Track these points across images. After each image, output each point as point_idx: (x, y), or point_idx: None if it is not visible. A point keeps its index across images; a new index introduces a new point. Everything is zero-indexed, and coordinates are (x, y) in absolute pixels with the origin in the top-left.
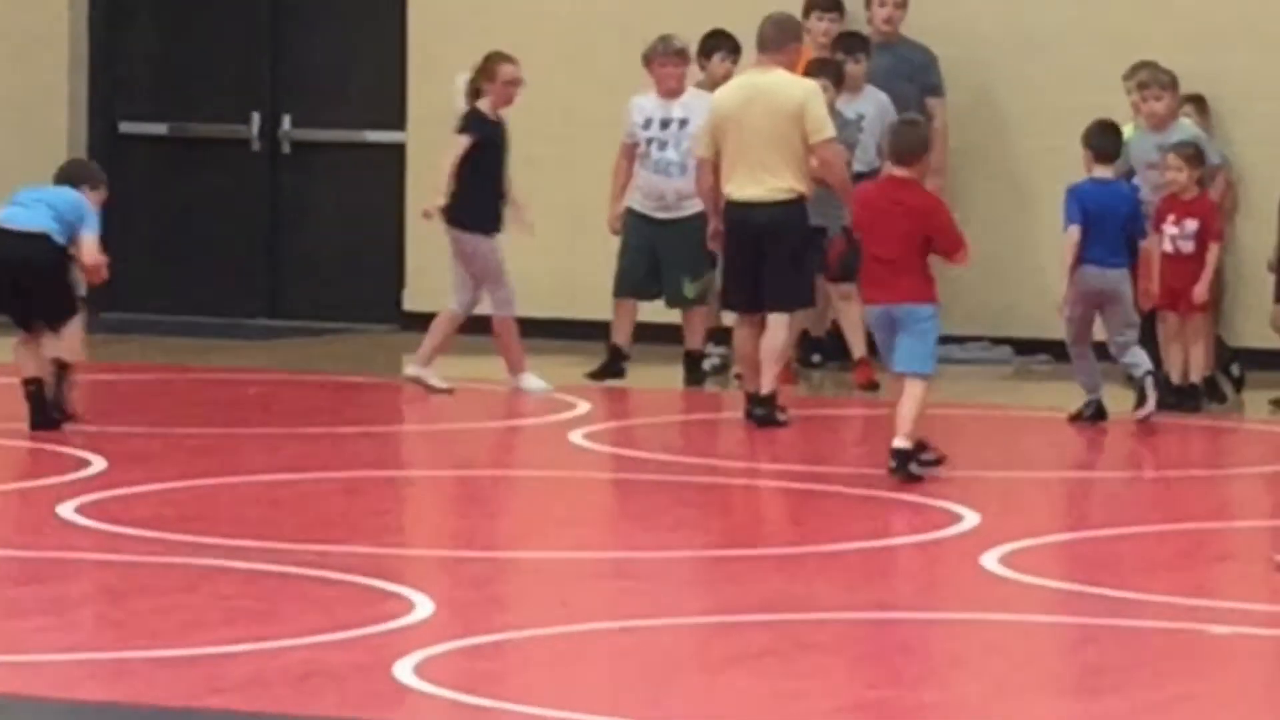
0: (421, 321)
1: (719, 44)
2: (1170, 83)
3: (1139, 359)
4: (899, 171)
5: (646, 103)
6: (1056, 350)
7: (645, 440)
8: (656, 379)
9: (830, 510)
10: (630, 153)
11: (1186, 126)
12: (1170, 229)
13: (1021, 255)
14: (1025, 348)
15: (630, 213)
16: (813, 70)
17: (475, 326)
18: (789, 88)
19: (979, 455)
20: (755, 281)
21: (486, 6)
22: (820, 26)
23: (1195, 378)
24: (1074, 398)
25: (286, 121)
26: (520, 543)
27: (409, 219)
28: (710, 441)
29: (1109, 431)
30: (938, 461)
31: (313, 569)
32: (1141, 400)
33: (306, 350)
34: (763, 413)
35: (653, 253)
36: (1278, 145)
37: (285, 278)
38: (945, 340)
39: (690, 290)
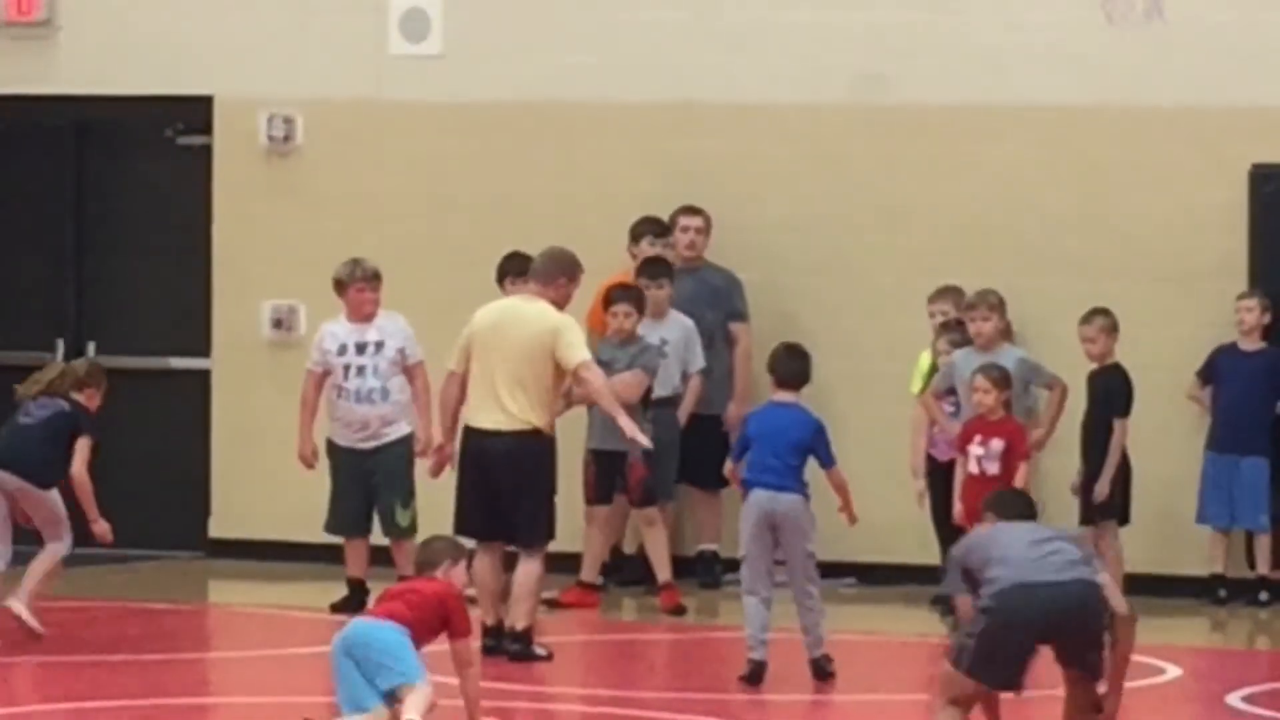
0: (228, 548)
1: (518, 266)
2: (998, 304)
3: (817, 627)
4: None
5: (338, 329)
6: (862, 573)
7: (436, 666)
8: None
9: None
10: (319, 381)
11: (1011, 350)
12: (976, 449)
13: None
14: (830, 570)
15: (334, 447)
16: (613, 295)
17: (280, 553)
18: (542, 318)
19: (786, 679)
20: (491, 509)
21: (288, 235)
22: (647, 251)
23: None
24: (882, 619)
25: (91, 348)
26: None
27: (214, 445)
28: (509, 668)
29: (908, 652)
30: None
31: None
32: (821, 675)
33: (111, 578)
34: (518, 648)
35: (365, 486)
36: (1077, 368)
37: None
38: None
39: (403, 519)
